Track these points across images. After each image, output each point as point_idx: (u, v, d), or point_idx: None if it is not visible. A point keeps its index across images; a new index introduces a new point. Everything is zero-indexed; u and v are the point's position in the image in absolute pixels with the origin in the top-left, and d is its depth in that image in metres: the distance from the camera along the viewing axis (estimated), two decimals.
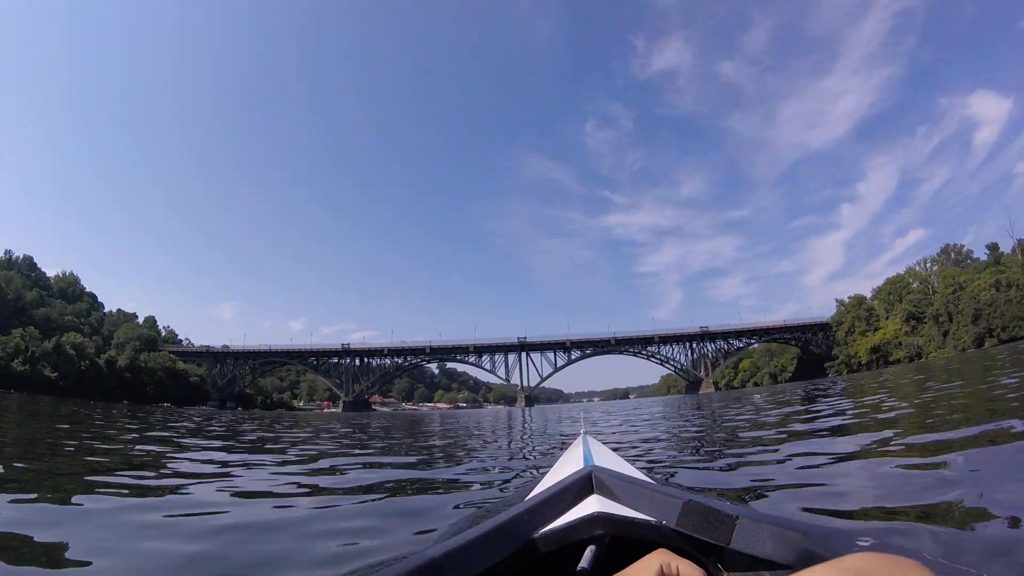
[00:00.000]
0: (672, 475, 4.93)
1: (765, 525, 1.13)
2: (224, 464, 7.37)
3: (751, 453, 6.38)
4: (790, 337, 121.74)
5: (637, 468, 2.56)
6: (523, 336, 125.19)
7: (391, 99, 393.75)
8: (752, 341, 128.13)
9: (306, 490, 5.13)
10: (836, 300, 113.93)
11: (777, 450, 6.27)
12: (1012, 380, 11.86)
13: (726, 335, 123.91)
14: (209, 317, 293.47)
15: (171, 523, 3.55)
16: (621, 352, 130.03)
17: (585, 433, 3.42)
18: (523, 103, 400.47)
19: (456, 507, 3.94)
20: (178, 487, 5.22)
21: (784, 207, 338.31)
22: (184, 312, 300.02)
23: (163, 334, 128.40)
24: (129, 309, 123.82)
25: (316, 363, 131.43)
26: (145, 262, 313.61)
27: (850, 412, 11.22)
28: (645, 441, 9.09)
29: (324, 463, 7.71)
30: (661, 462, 5.99)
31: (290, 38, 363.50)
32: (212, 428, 18.24)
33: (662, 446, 8.16)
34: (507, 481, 5.31)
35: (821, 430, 8.41)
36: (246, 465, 7.28)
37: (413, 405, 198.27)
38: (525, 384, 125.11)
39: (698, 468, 5.55)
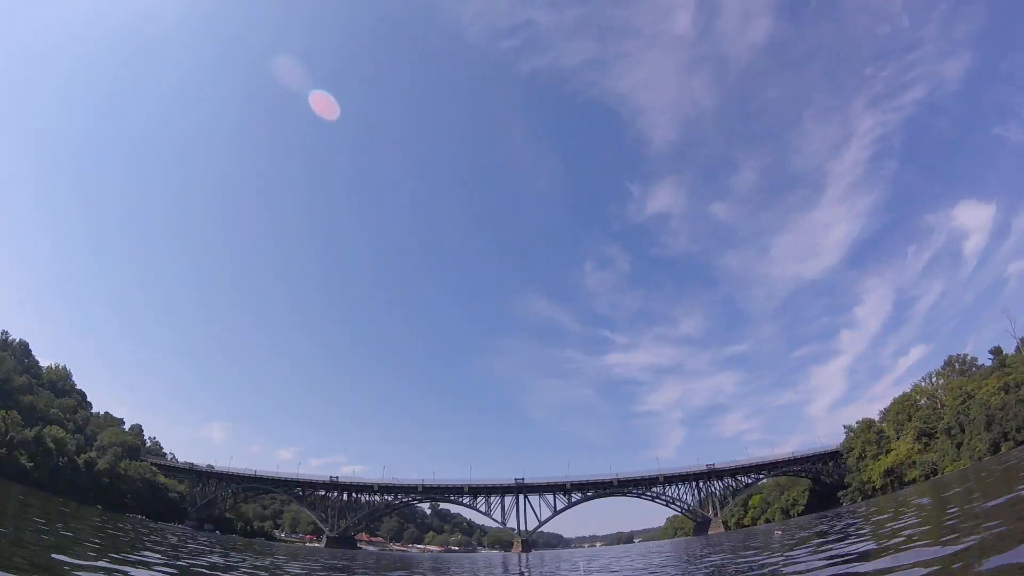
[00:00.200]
0: None
1: None
2: None
3: None
4: (800, 469, 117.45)
5: None
6: (521, 477, 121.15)
7: (390, 239, 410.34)
8: (761, 476, 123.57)
9: None
10: (844, 426, 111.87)
11: None
12: None
13: (733, 472, 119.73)
14: (198, 435, 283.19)
15: None
16: (624, 494, 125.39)
17: None
18: (522, 246, 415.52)
19: None
20: None
21: (783, 338, 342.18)
22: (173, 427, 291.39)
23: (148, 444, 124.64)
24: (118, 414, 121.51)
25: (302, 494, 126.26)
26: (141, 372, 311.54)
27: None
28: None
29: None
30: None
31: (297, 175, 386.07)
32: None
33: None
34: None
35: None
36: None
37: (402, 546, 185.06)
38: (522, 528, 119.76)
39: None
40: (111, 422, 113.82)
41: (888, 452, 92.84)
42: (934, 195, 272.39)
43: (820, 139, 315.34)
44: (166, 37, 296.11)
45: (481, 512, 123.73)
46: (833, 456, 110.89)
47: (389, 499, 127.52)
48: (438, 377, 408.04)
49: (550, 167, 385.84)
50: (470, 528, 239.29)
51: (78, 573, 7.61)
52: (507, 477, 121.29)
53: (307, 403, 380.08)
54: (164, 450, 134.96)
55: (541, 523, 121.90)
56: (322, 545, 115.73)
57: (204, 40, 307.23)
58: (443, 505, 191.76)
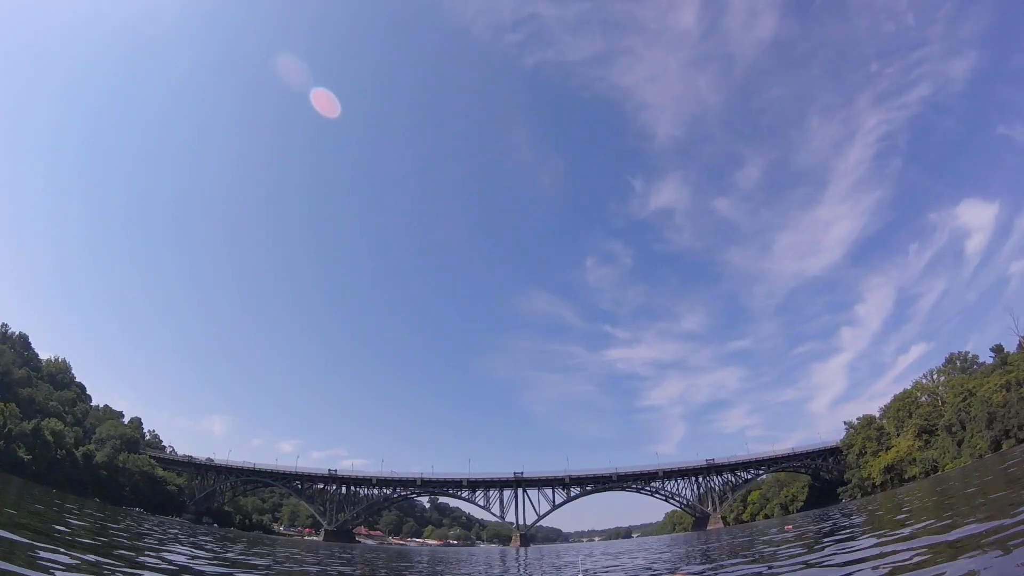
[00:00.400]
0: None
1: None
2: None
3: None
4: (799, 465, 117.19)
5: None
6: (519, 471, 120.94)
7: (391, 236, 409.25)
8: (760, 472, 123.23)
9: None
10: (845, 423, 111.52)
11: None
12: None
13: (733, 467, 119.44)
14: (199, 429, 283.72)
15: None
16: (623, 488, 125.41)
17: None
18: (524, 242, 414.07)
19: None
20: None
21: (785, 335, 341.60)
22: (174, 420, 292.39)
23: (147, 437, 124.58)
24: (118, 408, 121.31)
25: (301, 487, 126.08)
26: (143, 367, 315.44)
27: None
28: None
29: None
30: None
31: (297, 173, 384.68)
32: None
33: None
34: None
35: None
36: None
37: (401, 540, 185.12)
38: (521, 522, 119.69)
39: None
40: (110, 415, 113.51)
41: (888, 449, 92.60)
42: (937, 194, 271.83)
43: (824, 136, 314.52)
44: (167, 35, 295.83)
45: (480, 506, 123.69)
46: (833, 452, 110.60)
47: (388, 492, 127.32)
48: (439, 375, 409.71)
49: (552, 162, 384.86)
50: (469, 522, 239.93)
51: None
52: (506, 471, 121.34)
53: (308, 399, 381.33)
54: (164, 443, 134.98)
55: (540, 517, 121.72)
56: (320, 538, 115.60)
57: (205, 38, 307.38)
58: (442, 499, 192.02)
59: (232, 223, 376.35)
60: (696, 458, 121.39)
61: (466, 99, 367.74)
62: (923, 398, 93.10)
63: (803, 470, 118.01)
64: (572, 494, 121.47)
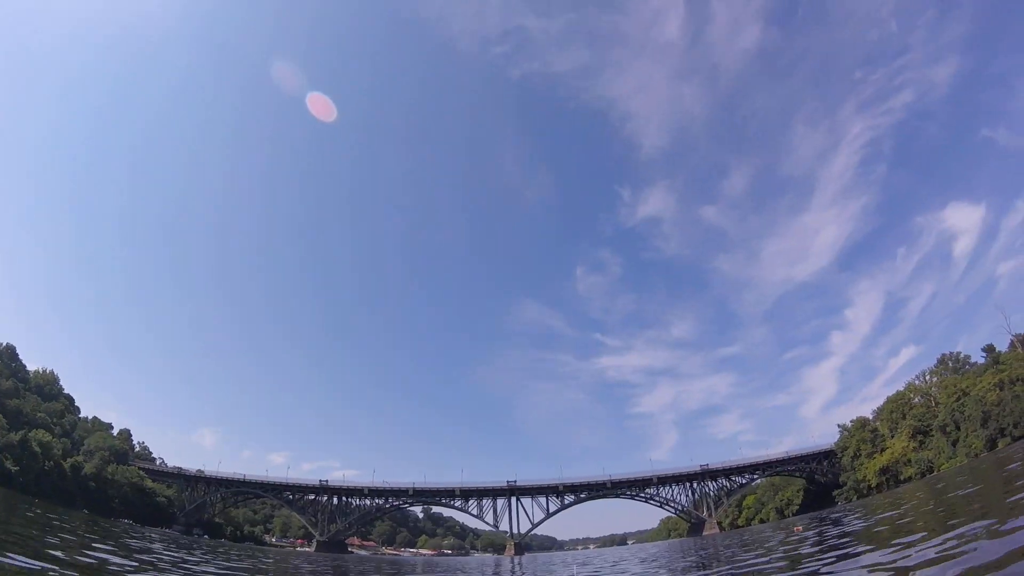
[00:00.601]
0: None
1: None
2: None
3: None
4: (794, 469, 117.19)
5: None
6: (513, 479, 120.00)
7: (381, 247, 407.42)
8: (755, 476, 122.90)
9: None
10: (838, 425, 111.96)
11: None
12: None
13: (728, 472, 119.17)
14: (189, 441, 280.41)
15: None
16: (618, 495, 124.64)
17: None
18: (513, 251, 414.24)
19: None
20: None
21: (775, 341, 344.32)
22: (163, 432, 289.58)
23: (136, 449, 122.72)
24: (107, 419, 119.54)
25: (292, 498, 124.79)
26: (132, 379, 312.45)
27: None
28: None
29: None
30: None
31: (289, 184, 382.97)
32: None
33: None
34: None
35: None
36: None
37: (394, 550, 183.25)
38: (515, 531, 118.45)
39: None
40: (99, 427, 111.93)
41: (883, 451, 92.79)
42: (924, 198, 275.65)
43: (810, 144, 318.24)
44: (163, 40, 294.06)
45: (473, 515, 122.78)
46: (827, 455, 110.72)
47: (380, 502, 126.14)
48: (429, 386, 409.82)
49: (541, 171, 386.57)
50: (463, 531, 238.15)
51: None
52: (499, 480, 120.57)
53: (299, 411, 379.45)
54: (154, 455, 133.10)
55: (534, 525, 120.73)
56: (312, 550, 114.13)
57: (197, 44, 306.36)
58: (435, 509, 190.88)
59: (222, 236, 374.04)
60: (690, 464, 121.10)
61: (455, 109, 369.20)
62: (916, 399, 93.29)
63: (798, 474, 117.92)
64: (566, 502, 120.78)
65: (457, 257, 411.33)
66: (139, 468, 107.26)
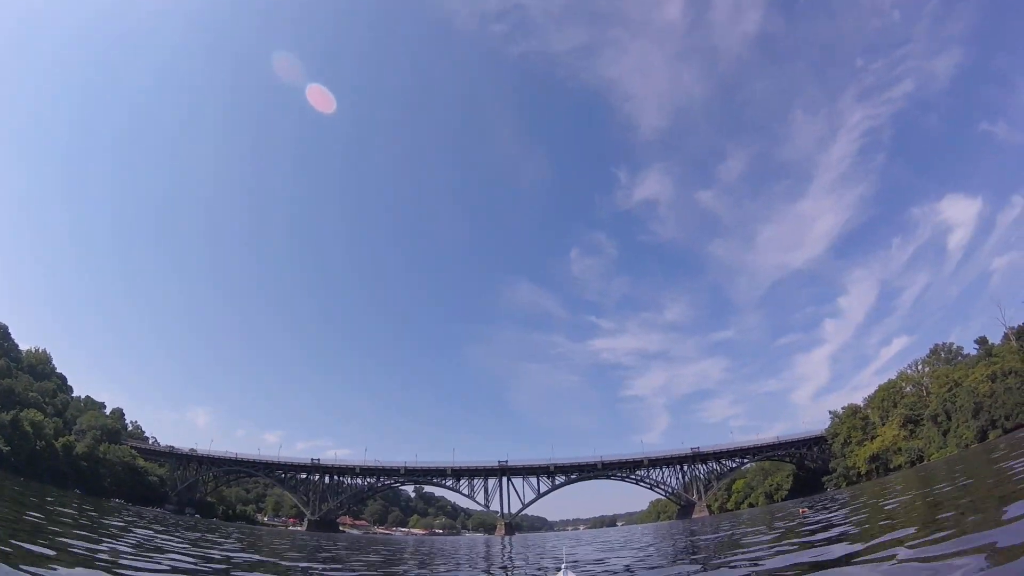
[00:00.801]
0: None
1: None
2: None
3: None
4: (784, 454, 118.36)
5: None
6: (504, 460, 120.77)
7: (374, 227, 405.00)
8: (745, 460, 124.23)
9: None
10: (830, 412, 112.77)
11: None
12: None
13: (718, 456, 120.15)
14: (182, 420, 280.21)
15: None
16: (608, 477, 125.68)
17: (567, 567, 3.02)
18: (508, 232, 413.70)
19: None
20: None
21: (768, 327, 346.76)
22: (157, 411, 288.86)
23: (129, 428, 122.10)
24: (99, 399, 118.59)
25: (284, 477, 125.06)
26: (126, 359, 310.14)
27: None
28: None
29: None
30: None
31: (280, 165, 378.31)
32: None
33: None
34: None
35: None
36: None
37: (386, 529, 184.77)
38: (506, 511, 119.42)
39: None
40: (91, 406, 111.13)
41: (873, 438, 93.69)
42: (920, 189, 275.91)
43: (808, 131, 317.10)
44: (151, 26, 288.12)
45: (464, 495, 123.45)
46: (818, 441, 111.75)
47: (372, 481, 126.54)
48: (422, 366, 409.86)
49: (538, 152, 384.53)
50: (454, 511, 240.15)
51: None
52: (491, 460, 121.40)
53: (292, 390, 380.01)
54: (146, 434, 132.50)
55: (524, 506, 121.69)
56: (304, 528, 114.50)
57: (189, 30, 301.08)
58: (427, 489, 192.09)
59: (214, 215, 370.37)
60: (681, 447, 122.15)
61: (452, 89, 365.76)
62: (908, 388, 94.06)
63: (788, 459, 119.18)
64: (557, 482, 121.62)
65: (451, 236, 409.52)
66: (131, 447, 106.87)
